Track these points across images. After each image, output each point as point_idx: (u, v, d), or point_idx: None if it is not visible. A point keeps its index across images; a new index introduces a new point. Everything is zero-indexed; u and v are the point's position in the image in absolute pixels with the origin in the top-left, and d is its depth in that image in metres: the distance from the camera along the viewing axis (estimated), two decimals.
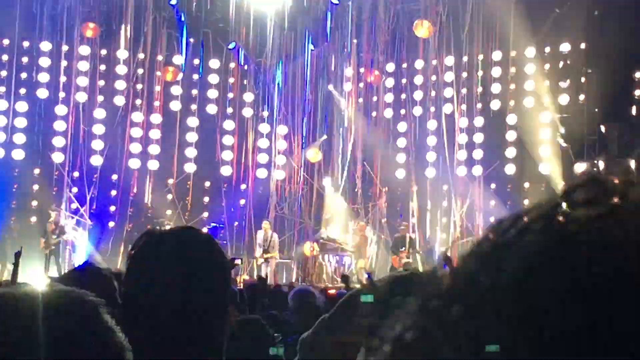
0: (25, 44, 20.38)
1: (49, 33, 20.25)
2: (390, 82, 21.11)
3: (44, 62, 20.31)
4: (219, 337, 1.93)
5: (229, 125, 21.49)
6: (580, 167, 18.06)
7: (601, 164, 17.41)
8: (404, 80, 20.92)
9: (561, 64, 18.79)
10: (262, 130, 21.34)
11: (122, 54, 20.58)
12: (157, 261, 1.88)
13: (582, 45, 18.31)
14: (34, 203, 20.07)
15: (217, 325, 1.92)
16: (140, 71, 20.75)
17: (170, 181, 20.72)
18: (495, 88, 19.93)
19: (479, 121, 19.92)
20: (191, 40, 21.21)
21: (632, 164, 16.18)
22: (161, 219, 19.88)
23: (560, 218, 0.54)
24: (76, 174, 20.08)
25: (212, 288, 1.91)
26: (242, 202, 20.90)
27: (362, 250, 18.50)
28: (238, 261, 16.89)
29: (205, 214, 20.50)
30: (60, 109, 20.27)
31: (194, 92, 21.37)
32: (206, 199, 21.20)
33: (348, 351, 2.75)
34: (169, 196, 20.64)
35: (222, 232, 19.46)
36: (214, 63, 21.51)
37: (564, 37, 18.69)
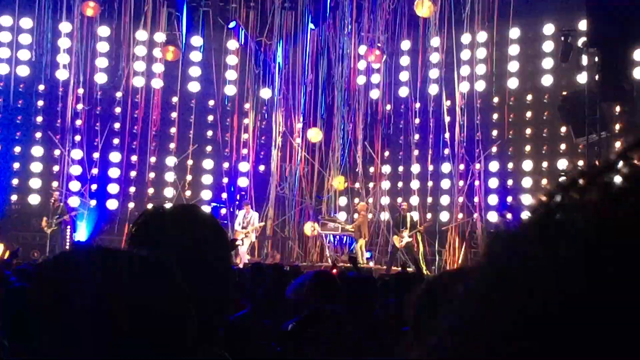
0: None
1: (49, 11, 20.13)
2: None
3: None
4: (217, 318, 1.91)
5: (229, 104, 21.44)
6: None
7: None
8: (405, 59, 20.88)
9: (562, 43, 18.67)
10: (263, 110, 21.29)
11: (123, 33, 20.52)
12: (158, 239, 1.84)
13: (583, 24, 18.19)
14: (36, 182, 20.08)
15: (217, 306, 1.90)
16: (140, 50, 20.69)
17: (172, 160, 20.73)
18: (499, 67, 19.83)
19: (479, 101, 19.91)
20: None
21: None
22: (162, 198, 19.93)
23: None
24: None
25: (214, 266, 1.90)
26: (243, 181, 20.89)
27: (362, 230, 18.52)
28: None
29: (206, 194, 20.53)
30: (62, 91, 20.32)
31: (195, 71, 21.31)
32: (207, 179, 21.18)
33: None
34: (170, 175, 20.65)
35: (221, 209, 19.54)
36: (215, 42, 21.40)
37: (564, 16, 18.59)
